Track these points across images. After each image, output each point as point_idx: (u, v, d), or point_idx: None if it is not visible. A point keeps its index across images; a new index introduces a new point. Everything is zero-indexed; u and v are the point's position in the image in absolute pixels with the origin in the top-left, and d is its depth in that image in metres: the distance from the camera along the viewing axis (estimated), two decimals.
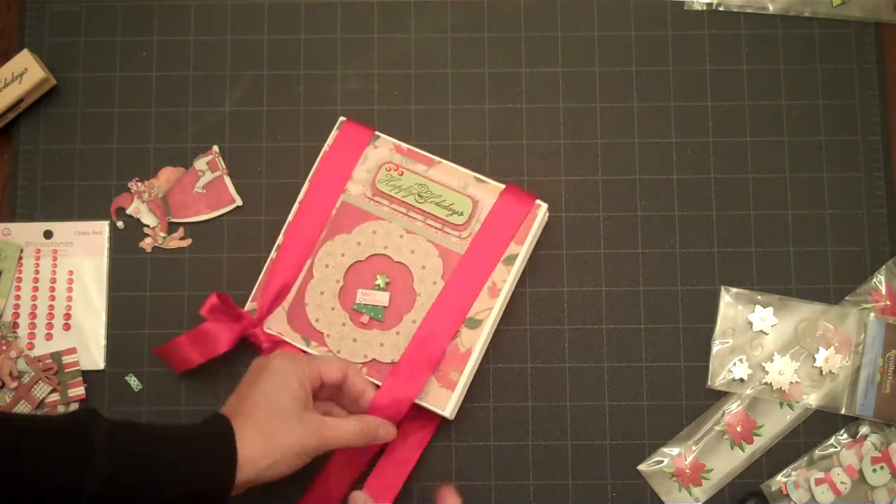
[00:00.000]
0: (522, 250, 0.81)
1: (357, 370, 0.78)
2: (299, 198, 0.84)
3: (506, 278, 0.81)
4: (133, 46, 0.88)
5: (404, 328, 0.81)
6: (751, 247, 0.85)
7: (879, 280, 0.84)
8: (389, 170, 0.83)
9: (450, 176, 0.83)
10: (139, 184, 0.86)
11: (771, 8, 0.88)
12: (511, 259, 0.81)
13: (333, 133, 0.85)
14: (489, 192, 0.82)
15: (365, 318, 0.81)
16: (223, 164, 0.86)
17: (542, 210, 0.82)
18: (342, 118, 0.85)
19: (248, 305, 0.83)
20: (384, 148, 0.84)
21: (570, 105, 0.87)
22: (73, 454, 0.63)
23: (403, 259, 0.82)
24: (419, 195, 0.82)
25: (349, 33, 0.89)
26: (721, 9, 0.88)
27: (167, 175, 0.86)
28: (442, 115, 0.87)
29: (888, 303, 0.84)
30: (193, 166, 0.86)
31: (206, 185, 0.86)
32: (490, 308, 0.80)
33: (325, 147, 0.84)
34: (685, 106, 0.87)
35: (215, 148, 0.87)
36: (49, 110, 0.87)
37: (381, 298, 0.82)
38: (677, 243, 0.85)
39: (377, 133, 0.84)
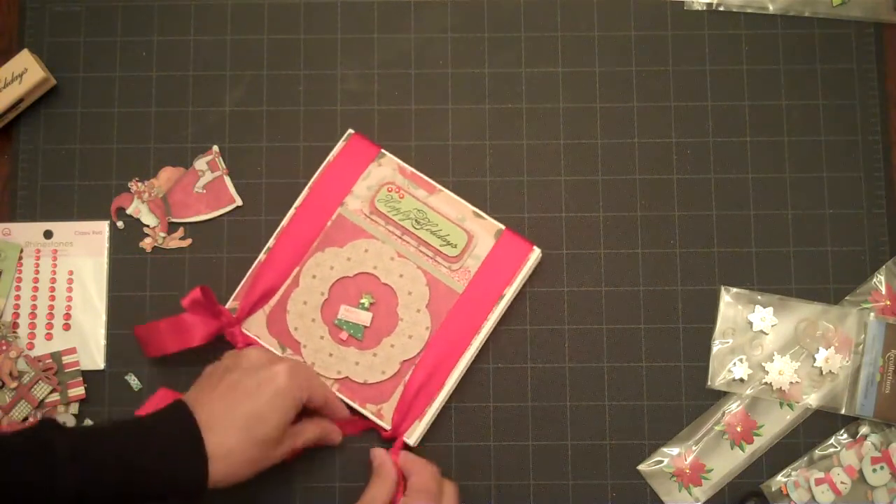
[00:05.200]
0: (510, 291, 0.82)
1: (336, 399, 0.79)
2: (296, 204, 0.84)
3: (490, 318, 0.81)
4: (133, 46, 0.88)
5: (382, 351, 0.81)
6: (751, 247, 0.85)
7: (879, 280, 0.84)
8: (391, 191, 0.83)
9: (449, 206, 0.83)
10: (139, 184, 0.86)
11: (771, 8, 0.88)
12: (499, 299, 0.82)
13: (339, 144, 0.84)
14: (486, 229, 0.82)
15: (344, 335, 0.81)
16: (223, 164, 0.86)
17: (535, 255, 0.82)
18: (350, 130, 0.85)
19: (230, 304, 0.83)
20: (388, 167, 0.84)
21: (570, 105, 0.87)
22: (37, 470, 0.64)
23: (391, 282, 0.82)
24: (416, 221, 0.82)
25: (349, 33, 0.89)
26: (721, 9, 0.88)
27: (167, 175, 0.86)
28: (442, 115, 0.87)
29: (888, 303, 0.84)
30: (193, 166, 0.86)
31: (206, 185, 0.86)
32: (471, 345, 0.81)
33: (329, 157, 0.84)
34: (685, 106, 0.87)
35: (215, 148, 0.87)
36: (49, 110, 0.87)
37: (364, 318, 0.82)
38: (677, 243, 0.85)
39: (383, 151, 0.84)
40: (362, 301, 0.82)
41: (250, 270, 0.83)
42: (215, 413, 0.71)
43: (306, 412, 0.77)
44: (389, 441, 0.80)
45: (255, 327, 0.82)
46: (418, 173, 0.84)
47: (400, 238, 0.83)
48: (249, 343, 0.81)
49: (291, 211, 0.84)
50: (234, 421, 0.70)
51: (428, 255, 0.82)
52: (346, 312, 0.82)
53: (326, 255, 0.83)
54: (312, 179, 0.84)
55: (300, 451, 0.78)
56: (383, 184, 0.83)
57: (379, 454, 0.78)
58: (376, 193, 0.83)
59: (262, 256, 0.83)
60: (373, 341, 0.81)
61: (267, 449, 0.72)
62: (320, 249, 0.83)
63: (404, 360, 0.81)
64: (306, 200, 0.84)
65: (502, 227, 0.83)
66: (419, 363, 0.80)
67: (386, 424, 0.80)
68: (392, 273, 0.82)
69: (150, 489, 0.67)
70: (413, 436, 0.80)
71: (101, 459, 0.66)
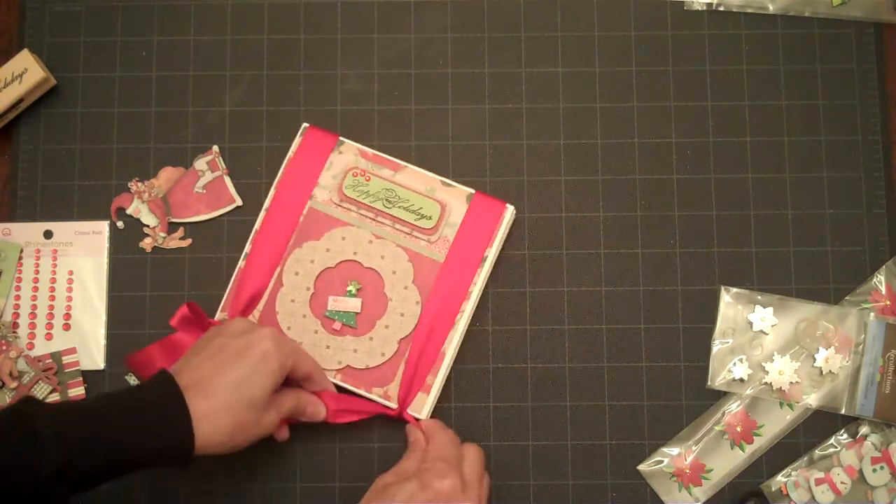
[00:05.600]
0: (492, 253, 0.82)
1: (322, 372, 0.79)
2: (265, 206, 0.84)
3: (476, 281, 0.82)
4: (133, 46, 0.88)
5: (377, 334, 0.81)
6: (751, 247, 0.85)
7: (879, 280, 0.84)
8: (356, 175, 0.83)
9: (416, 180, 0.83)
10: (139, 184, 0.86)
11: (771, 8, 0.88)
12: (482, 262, 0.82)
13: (297, 140, 0.85)
14: (456, 196, 0.83)
15: (337, 325, 0.82)
16: (223, 164, 0.86)
17: (509, 213, 0.83)
18: (305, 124, 0.85)
19: (219, 315, 0.82)
20: (349, 153, 0.84)
21: (570, 105, 0.87)
22: (18, 447, 0.63)
23: (374, 264, 0.82)
24: (387, 200, 0.83)
25: (349, 33, 0.89)
26: (721, 9, 0.89)
27: (167, 175, 0.86)
28: (442, 115, 0.87)
29: (888, 303, 0.84)
30: (193, 166, 0.86)
31: (206, 185, 0.86)
32: (463, 311, 0.81)
33: (290, 154, 0.84)
34: (685, 106, 0.87)
35: (215, 148, 0.87)
36: (49, 110, 0.87)
37: (353, 305, 0.82)
38: (677, 243, 0.85)
39: (342, 139, 0.84)
40: (349, 288, 0.82)
41: (232, 279, 0.83)
42: (202, 375, 0.70)
43: (288, 385, 0.77)
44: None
45: None
46: (380, 154, 0.84)
47: (374, 220, 0.83)
48: None
49: (262, 213, 0.84)
50: (222, 382, 0.70)
51: (405, 232, 0.82)
52: (335, 302, 0.82)
53: (305, 251, 0.83)
54: (276, 179, 0.84)
55: (286, 431, 0.78)
56: (348, 170, 0.83)
57: (413, 429, 0.80)
58: (342, 181, 0.83)
59: (241, 263, 0.83)
60: (367, 326, 0.82)
61: (255, 413, 0.71)
62: (298, 246, 0.83)
63: (401, 339, 0.81)
64: (275, 200, 0.84)
65: (472, 191, 0.83)
66: (414, 337, 0.81)
67: (394, 404, 0.80)
68: (373, 256, 0.82)
69: (138, 456, 0.67)
70: (423, 410, 0.80)
71: (84, 432, 0.65)
